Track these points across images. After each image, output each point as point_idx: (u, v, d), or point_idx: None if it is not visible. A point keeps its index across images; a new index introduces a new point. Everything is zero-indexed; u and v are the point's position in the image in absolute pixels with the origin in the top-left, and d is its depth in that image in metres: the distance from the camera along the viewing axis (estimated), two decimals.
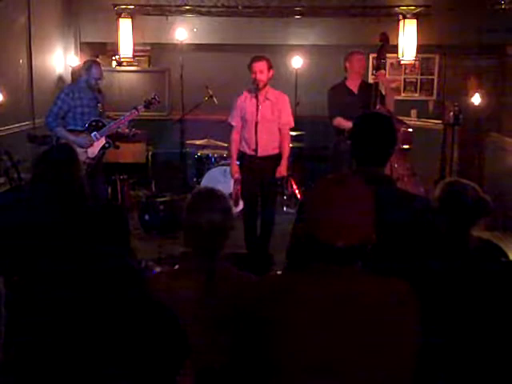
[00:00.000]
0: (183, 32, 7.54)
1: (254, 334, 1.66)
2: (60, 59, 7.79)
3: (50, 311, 1.69)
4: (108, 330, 1.65)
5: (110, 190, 6.53)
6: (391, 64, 8.35)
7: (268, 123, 5.02)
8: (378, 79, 5.33)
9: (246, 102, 5.10)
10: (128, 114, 5.54)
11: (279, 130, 5.13)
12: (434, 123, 7.41)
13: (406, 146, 5.24)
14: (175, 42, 7.55)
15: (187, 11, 7.79)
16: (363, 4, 7.71)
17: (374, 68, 6.54)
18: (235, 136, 5.21)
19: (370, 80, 6.06)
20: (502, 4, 6.63)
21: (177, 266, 2.37)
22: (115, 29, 7.78)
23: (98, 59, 6.16)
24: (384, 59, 5.60)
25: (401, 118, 5.79)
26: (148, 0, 7.75)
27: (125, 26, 7.81)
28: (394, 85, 8.07)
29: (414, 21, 7.79)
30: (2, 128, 5.71)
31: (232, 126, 5.21)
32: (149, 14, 7.88)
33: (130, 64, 8.13)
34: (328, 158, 6.23)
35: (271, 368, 1.59)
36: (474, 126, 7.44)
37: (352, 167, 2.80)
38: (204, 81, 7.13)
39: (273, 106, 5.04)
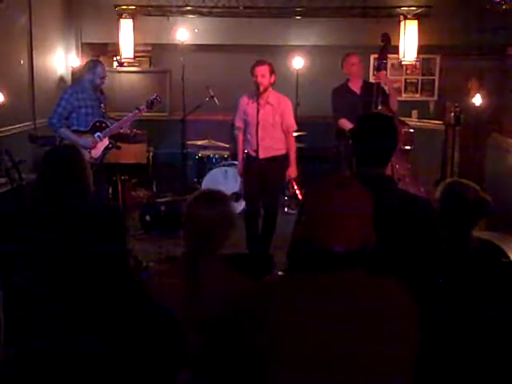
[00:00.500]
0: (184, 32, 7.54)
1: (253, 334, 1.66)
2: (61, 60, 7.79)
3: (47, 311, 1.70)
4: (105, 330, 1.65)
5: (110, 190, 6.53)
6: (392, 64, 8.35)
7: (269, 127, 5.05)
8: (379, 80, 5.33)
9: (247, 105, 5.13)
10: (131, 114, 5.54)
11: (283, 132, 5.15)
12: (435, 124, 7.41)
13: (407, 147, 5.25)
14: (176, 42, 7.56)
15: (188, 12, 7.79)
16: (364, 4, 7.71)
17: (375, 68, 6.55)
18: (240, 136, 5.30)
19: (371, 80, 6.06)
20: (502, 4, 6.63)
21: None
22: (116, 29, 7.79)
23: (100, 59, 6.16)
24: (385, 59, 5.61)
25: (402, 118, 5.80)
26: (149, 0, 7.75)
27: (126, 26, 7.82)
28: (395, 85, 8.08)
29: (415, 21, 7.79)
30: (3, 128, 5.72)
31: (237, 128, 5.31)
32: (150, 15, 7.88)
33: (131, 64, 8.13)
34: (329, 159, 6.24)
35: (270, 368, 1.60)
36: (474, 126, 7.44)
37: (352, 168, 2.80)
38: (205, 81, 7.13)
39: (274, 110, 5.07)
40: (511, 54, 7.86)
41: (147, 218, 6.30)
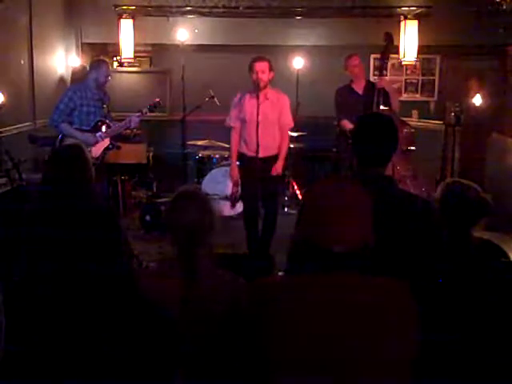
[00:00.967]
0: (184, 33, 7.54)
1: (252, 335, 1.66)
2: (61, 60, 7.79)
3: (45, 310, 1.70)
4: (100, 332, 1.65)
5: (111, 190, 6.53)
6: (392, 65, 8.35)
7: (269, 123, 5.00)
8: (381, 86, 5.35)
9: (244, 102, 5.07)
10: (134, 116, 5.53)
11: (279, 130, 5.12)
12: (435, 124, 7.41)
13: (408, 148, 5.25)
14: (176, 42, 7.55)
15: (188, 12, 7.79)
16: (364, 4, 7.71)
17: (376, 69, 6.57)
18: (235, 138, 5.20)
19: (372, 79, 6.07)
20: (502, 4, 6.63)
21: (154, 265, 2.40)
22: (116, 29, 7.79)
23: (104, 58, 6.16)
24: (387, 59, 5.62)
25: (402, 118, 5.80)
26: (149, 1, 7.75)
27: (126, 26, 7.82)
28: (396, 85, 8.08)
29: (415, 21, 7.79)
30: (3, 128, 5.71)
31: (230, 128, 5.20)
32: (150, 15, 7.88)
33: (131, 65, 8.13)
34: (329, 159, 6.24)
35: (270, 369, 1.60)
36: (475, 126, 7.43)
37: (353, 168, 2.80)
38: (205, 81, 7.13)
39: (273, 105, 5.03)
40: (511, 53, 7.86)
41: (147, 217, 6.30)
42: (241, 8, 7.69)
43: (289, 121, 5.20)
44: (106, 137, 5.41)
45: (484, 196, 2.37)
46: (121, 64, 8.03)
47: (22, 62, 6.58)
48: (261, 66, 4.93)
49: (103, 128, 5.40)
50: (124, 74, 8.34)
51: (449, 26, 7.68)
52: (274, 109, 5.04)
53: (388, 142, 2.52)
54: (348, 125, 5.36)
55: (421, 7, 7.79)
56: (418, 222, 2.34)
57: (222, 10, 7.73)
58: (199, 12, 7.79)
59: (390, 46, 5.54)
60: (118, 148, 5.72)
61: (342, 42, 7.79)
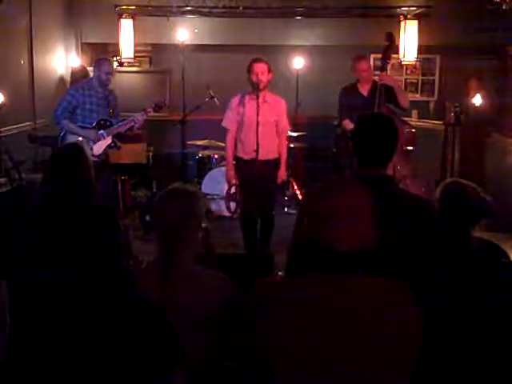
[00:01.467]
0: (184, 33, 7.54)
1: (252, 335, 1.66)
2: (61, 60, 7.80)
3: (44, 309, 1.70)
4: (98, 332, 1.65)
5: (110, 190, 6.52)
6: (392, 65, 8.33)
7: (268, 125, 4.99)
8: (382, 81, 5.34)
9: (243, 104, 5.04)
10: (137, 115, 5.53)
11: (277, 134, 5.11)
12: (435, 124, 7.41)
13: (409, 148, 5.24)
14: (176, 42, 7.55)
15: (188, 12, 7.79)
16: (364, 4, 7.71)
17: (376, 68, 6.56)
18: (231, 140, 5.14)
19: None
20: (502, 4, 6.63)
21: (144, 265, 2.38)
22: (116, 29, 7.79)
23: (107, 56, 6.17)
24: (389, 59, 5.62)
25: (402, 118, 5.80)
26: (149, 1, 7.75)
27: (126, 26, 7.82)
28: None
29: (415, 21, 7.79)
30: (3, 128, 5.71)
31: (227, 130, 5.15)
32: (150, 15, 7.88)
33: (131, 65, 8.13)
34: (329, 159, 6.24)
35: (270, 369, 1.60)
36: (474, 126, 7.43)
37: (353, 168, 2.80)
38: (205, 81, 7.12)
39: (271, 108, 5.01)
40: (511, 53, 7.86)
41: (147, 218, 6.29)
42: (241, 8, 7.69)
43: (287, 125, 5.21)
44: (108, 135, 5.41)
45: (484, 196, 2.37)
46: (121, 64, 8.02)
47: (22, 62, 6.58)
48: (260, 68, 4.92)
49: (106, 126, 5.39)
50: (124, 74, 8.33)
51: (449, 26, 7.68)
52: (272, 112, 5.02)
53: (388, 142, 2.52)
54: (350, 125, 5.35)
55: (421, 7, 7.79)
56: (418, 222, 2.34)
57: (221, 10, 7.73)
58: (199, 12, 7.79)
59: (391, 46, 5.54)
60: (118, 148, 5.72)
61: (342, 42, 7.79)
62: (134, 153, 7.03)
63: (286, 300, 1.62)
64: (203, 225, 2.29)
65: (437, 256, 2.25)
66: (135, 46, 7.91)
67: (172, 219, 2.18)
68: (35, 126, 6.66)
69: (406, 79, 8.57)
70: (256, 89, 4.89)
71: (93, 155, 5.31)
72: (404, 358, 1.58)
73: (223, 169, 6.73)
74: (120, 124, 5.48)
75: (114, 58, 8.12)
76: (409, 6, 7.83)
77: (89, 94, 5.33)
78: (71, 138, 5.16)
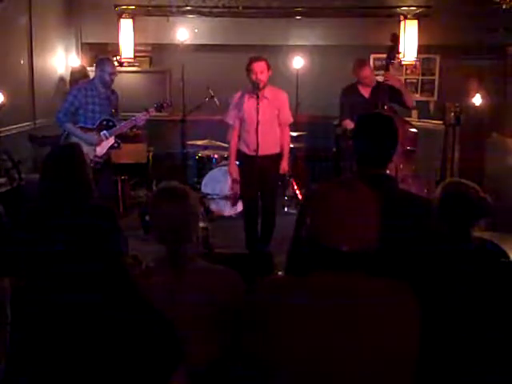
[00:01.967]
0: (184, 32, 7.54)
1: (252, 334, 1.66)
2: (61, 60, 7.80)
3: (44, 309, 1.70)
4: (97, 332, 1.65)
5: (112, 189, 6.53)
6: (392, 65, 8.34)
7: (269, 122, 5.01)
8: (387, 81, 5.34)
9: (243, 101, 5.07)
10: (139, 115, 5.52)
11: (279, 126, 5.13)
12: (435, 124, 7.40)
13: (411, 148, 5.24)
14: (176, 42, 7.56)
15: (188, 12, 7.80)
16: (364, 4, 7.71)
17: (379, 68, 6.58)
18: (233, 135, 5.19)
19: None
20: (502, 4, 6.63)
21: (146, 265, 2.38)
22: (116, 29, 7.79)
23: (109, 56, 6.16)
24: (393, 60, 5.62)
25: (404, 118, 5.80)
26: (149, 0, 7.75)
27: (126, 26, 7.82)
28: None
29: (415, 21, 7.79)
30: (3, 128, 5.72)
31: (229, 125, 5.20)
32: (150, 15, 7.89)
33: (131, 65, 8.13)
34: (329, 158, 6.24)
35: (269, 369, 1.60)
36: (475, 126, 7.43)
37: (353, 168, 2.80)
38: (205, 81, 7.13)
39: (270, 104, 5.03)
40: (511, 53, 7.86)
41: (147, 218, 6.29)
42: (241, 8, 7.69)
43: (288, 116, 5.20)
44: (111, 135, 5.41)
45: (484, 196, 2.36)
46: (121, 64, 8.02)
47: (22, 62, 6.58)
48: (259, 67, 4.93)
49: (109, 127, 5.39)
50: (124, 74, 8.32)
51: (449, 26, 7.68)
52: (272, 107, 5.04)
53: (388, 141, 2.52)
54: (351, 125, 5.35)
55: (421, 7, 7.79)
56: (418, 222, 2.34)
57: (221, 9, 7.73)
58: (199, 12, 7.79)
59: (396, 46, 5.55)
60: (119, 148, 5.72)
61: (342, 42, 7.80)
62: (134, 153, 7.04)
63: (287, 299, 1.62)
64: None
65: (437, 256, 2.25)
66: (135, 45, 7.91)
67: (171, 217, 2.19)
68: (35, 126, 6.66)
69: (406, 79, 8.56)
70: (256, 88, 4.90)
71: (96, 156, 5.32)
72: (404, 357, 1.58)
73: (223, 169, 6.75)
74: (122, 124, 5.48)
75: (114, 58, 8.13)
76: (409, 6, 7.83)
77: (91, 94, 5.32)
78: (74, 138, 5.15)
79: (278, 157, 5.15)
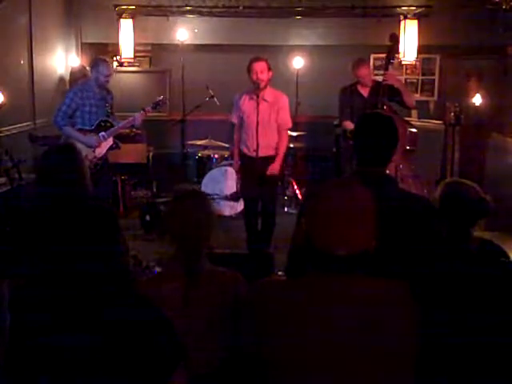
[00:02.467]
0: (184, 32, 7.54)
1: (251, 335, 1.66)
2: (61, 60, 7.79)
3: (40, 311, 1.70)
4: (97, 332, 1.65)
5: (111, 190, 6.53)
6: (392, 65, 8.34)
7: (268, 124, 5.02)
8: (387, 81, 5.33)
9: (244, 102, 5.09)
10: (137, 115, 5.53)
11: (278, 130, 5.13)
12: (435, 124, 7.40)
13: (411, 148, 5.23)
14: (176, 42, 7.56)
15: (188, 12, 7.79)
16: (364, 4, 7.71)
17: (379, 68, 6.58)
18: (236, 134, 5.26)
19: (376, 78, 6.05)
20: (501, 4, 6.63)
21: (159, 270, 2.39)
22: (116, 29, 7.79)
23: (105, 57, 6.16)
24: (393, 59, 5.62)
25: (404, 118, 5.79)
26: (149, 0, 7.75)
27: (126, 26, 7.82)
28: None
29: (415, 21, 7.78)
30: (3, 128, 5.71)
31: (233, 124, 5.27)
32: (150, 15, 7.88)
33: (131, 64, 8.13)
34: (329, 159, 6.24)
35: (269, 369, 1.59)
36: (474, 126, 7.43)
37: (353, 168, 2.80)
38: (205, 81, 7.13)
39: (270, 106, 5.03)
40: (511, 53, 7.85)
41: (147, 218, 6.30)
42: (241, 8, 7.69)
43: (287, 121, 5.19)
44: (109, 136, 5.41)
45: (484, 196, 2.37)
46: (121, 64, 8.02)
47: (22, 62, 6.58)
48: (260, 66, 4.93)
49: (106, 127, 5.39)
50: (124, 74, 8.33)
51: (449, 26, 7.68)
52: (272, 109, 5.04)
53: (388, 141, 2.52)
54: (350, 125, 5.35)
55: (421, 7, 7.79)
56: (418, 222, 2.33)
57: (221, 9, 7.73)
58: (199, 12, 7.79)
59: (395, 46, 5.54)
60: (119, 148, 5.72)
61: (342, 42, 7.79)
62: (134, 153, 7.03)
63: (286, 300, 1.62)
64: None
65: (437, 256, 2.25)
66: (135, 45, 7.91)
67: (196, 218, 2.22)
68: (35, 126, 6.66)
69: (406, 79, 8.56)
70: (257, 88, 4.91)
71: (95, 158, 5.33)
72: (403, 357, 1.58)
73: (223, 169, 6.76)
74: (120, 125, 5.48)
75: (114, 58, 8.13)
76: (409, 6, 7.83)
77: (87, 95, 5.32)
78: (73, 141, 5.15)
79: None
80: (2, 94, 5.45)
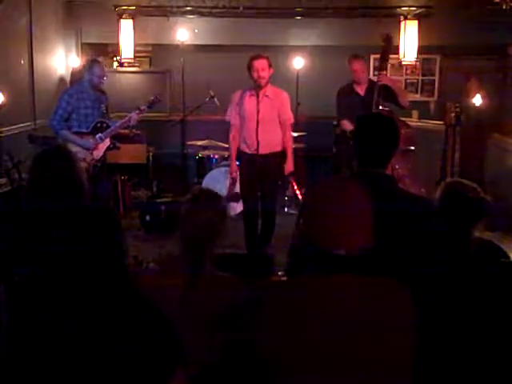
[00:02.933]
0: (184, 33, 7.54)
1: (251, 335, 1.66)
2: (61, 60, 7.80)
3: (41, 311, 1.70)
4: (98, 332, 1.65)
5: (111, 190, 6.53)
6: (392, 65, 8.34)
7: (269, 121, 5.00)
8: (381, 82, 5.33)
9: (244, 100, 5.06)
10: (132, 114, 5.53)
11: (280, 126, 5.12)
12: (435, 124, 7.41)
13: (407, 147, 5.22)
14: (176, 42, 7.56)
15: (188, 12, 7.79)
16: (364, 4, 7.71)
17: (376, 69, 6.57)
18: (234, 134, 5.18)
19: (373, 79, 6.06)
20: (502, 4, 6.63)
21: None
22: (116, 29, 7.78)
23: (99, 58, 6.16)
24: (387, 60, 5.62)
25: (402, 118, 5.78)
26: (149, 1, 7.75)
27: (126, 26, 7.82)
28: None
29: (416, 22, 7.78)
30: (3, 128, 5.71)
31: (230, 124, 5.19)
32: (150, 15, 7.88)
33: (131, 65, 8.12)
34: (329, 159, 6.23)
35: (269, 369, 1.59)
36: (475, 126, 7.43)
37: (353, 168, 2.80)
38: (205, 81, 7.13)
39: (271, 103, 5.02)
40: (511, 53, 7.86)
41: (147, 217, 6.30)
42: (241, 8, 7.69)
43: (289, 116, 5.18)
44: (106, 137, 5.41)
45: (484, 196, 2.37)
46: (121, 64, 8.02)
47: (22, 62, 6.58)
48: (261, 64, 4.92)
49: (103, 129, 5.39)
50: (124, 74, 8.34)
51: (449, 26, 7.68)
52: (273, 106, 5.03)
53: (388, 141, 2.52)
54: (348, 125, 5.35)
55: (421, 7, 7.79)
56: (418, 222, 2.34)
57: (221, 10, 7.73)
58: (199, 12, 7.79)
59: (388, 47, 5.53)
60: (118, 148, 5.72)
61: (342, 42, 7.79)
62: (134, 153, 7.03)
63: (286, 300, 1.62)
64: None
65: (437, 256, 2.25)
66: (135, 46, 7.91)
67: (209, 220, 2.23)
68: (35, 126, 6.66)
69: (406, 79, 8.57)
70: (258, 85, 4.90)
71: (93, 160, 5.33)
72: (403, 358, 1.58)
73: (223, 169, 6.76)
74: (116, 125, 5.48)
75: (114, 58, 8.14)
76: (409, 6, 7.83)
77: (82, 97, 5.32)
78: (70, 145, 5.14)
79: (278, 155, 5.13)
80: (2, 94, 5.45)
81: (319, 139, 7.56)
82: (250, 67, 4.94)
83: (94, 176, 5.18)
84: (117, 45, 7.87)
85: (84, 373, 1.63)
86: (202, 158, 7.28)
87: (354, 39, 7.73)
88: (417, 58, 7.91)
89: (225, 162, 6.90)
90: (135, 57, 8.00)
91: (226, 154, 7.00)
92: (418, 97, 8.57)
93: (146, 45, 8.32)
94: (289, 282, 1.81)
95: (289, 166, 5.15)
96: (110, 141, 5.47)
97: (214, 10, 7.75)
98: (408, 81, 8.58)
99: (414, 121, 7.79)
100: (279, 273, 3.93)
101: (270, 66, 4.97)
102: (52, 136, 5.65)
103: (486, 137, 7.45)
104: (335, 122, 6.44)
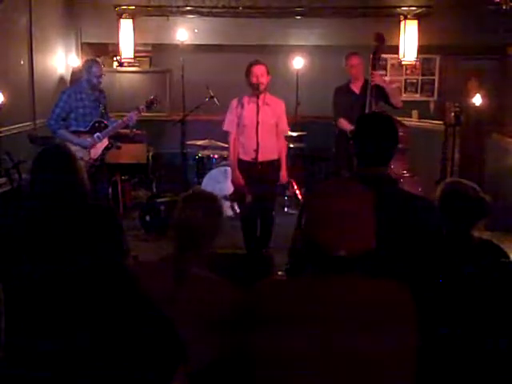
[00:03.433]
0: (184, 33, 7.54)
1: (251, 335, 1.66)
2: (61, 60, 7.80)
3: (41, 311, 1.70)
4: (99, 332, 1.65)
5: (110, 190, 6.53)
6: (392, 65, 8.36)
7: (268, 127, 5.00)
8: (374, 81, 5.33)
9: (243, 107, 5.03)
10: (131, 114, 5.53)
11: (276, 136, 5.12)
12: (435, 124, 7.41)
13: (403, 147, 5.21)
14: (176, 42, 7.56)
15: (188, 12, 7.80)
16: (364, 4, 7.71)
17: (380, 69, 6.57)
18: (233, 143, 5.12)
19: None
20: (502, 4, 6.63)
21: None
22: (116, 29, 7.79)
23: (97, 58, 6.16)
24: (379, 59, 5.61)
25: (402, 118, 5.79)
26: (149, 1, 7.75)
27: (126, 26, 7.82)
28: (395, 85, 8.06)
29: (415, 21, 7.80)
30: (3, 128, 5.72)
31: (228, 133, 5.14)
32: (150, 15, 7.89)
33: (131, 65, 8.13)
34: (329, 159, 6.23)
35: (268, 369, 1.60)
36: (474, 126, 7.44)
37: (353, 168, 2.80)
38: (205, 81, 7.13)
39: (272, 110, 5.02)
40: (511, 53, 7.86)
41: (147, 218, 6.30)
42: (241, 8, 7.69)
43: (286, 128, 5.24)
44: (104, 137, 5.41)
45: (484, 196, 2.37)
46: (121, 64, 8.03)
47: (22, 62, 6.58)
48: (260, 70, 4.93)
49: (101, 128, 5.39)
50: (124, 74, 8.34)
51: (449, 26, 7.69)
52: (272, 114, 5.04)
53: (388, 142, 2.52)
54: (345, 125, 5.35)
55: (421, 7, 7.80)
56: (418, 222, 2.33)
57: (221, 9, 7.73)
58: (199, 12, 7.79)
59: (380, 46, 5.52)
60: (118, 148, 5.72)
61: (341, 42, 7.79)
62: (134, 153, 7.03)
63: (286, 300, 1.62)
64: None
65: (437, 256, 2.25)
66: (135, 46, 7.91)
67: (196, 221, 2.23)
68: (35, 126, 6.66)
69: (405, 79, 8.58)
70: (256, 91, 4.90)
71: (91, 159, 5.33)
72: (403, 358, 1.58)
73: (223, 169, 6.76)
74: (114, 125, 5.48)
75: (114, 58, 8.14)
76: (409, 6, 7.84)
77: (80, 97, 5.32)
78: (68, 144, 5.14)
79: (275, 163, 5.11)
80: (2, 94, 5.45)
81: (319, 139, 7.56)
82: (248, 73, 4.95)
83: (92, 175, 5.18)
84: (117, 44, 7.88)
85: (86, 373, 1.63)
86: (201, 158, 7.28)
87: (354, 39, 7.72)
88: (417, 58, 7.92)
89: (224, 162, 6.90)
90: (135, 57, 8.00)
91: (225, 153, 6.99)
92: (417, 96, 8.58)
93: (146, 44, 8.32)
94: (289, 281, 1.81)
95: (285, 175, 5.15)
96: (109, 140, 5.47)
97: (213, 10, 7.75)
98: (408, 80, 8.58)
99: (413, 121, 7.80)
100: (279, 273, 3.93)
101: (268, 72, 4.97)
102: (52, 136, 5.65)
103: (485, 137, 7.45)
104: (334, 122, 6.44)
